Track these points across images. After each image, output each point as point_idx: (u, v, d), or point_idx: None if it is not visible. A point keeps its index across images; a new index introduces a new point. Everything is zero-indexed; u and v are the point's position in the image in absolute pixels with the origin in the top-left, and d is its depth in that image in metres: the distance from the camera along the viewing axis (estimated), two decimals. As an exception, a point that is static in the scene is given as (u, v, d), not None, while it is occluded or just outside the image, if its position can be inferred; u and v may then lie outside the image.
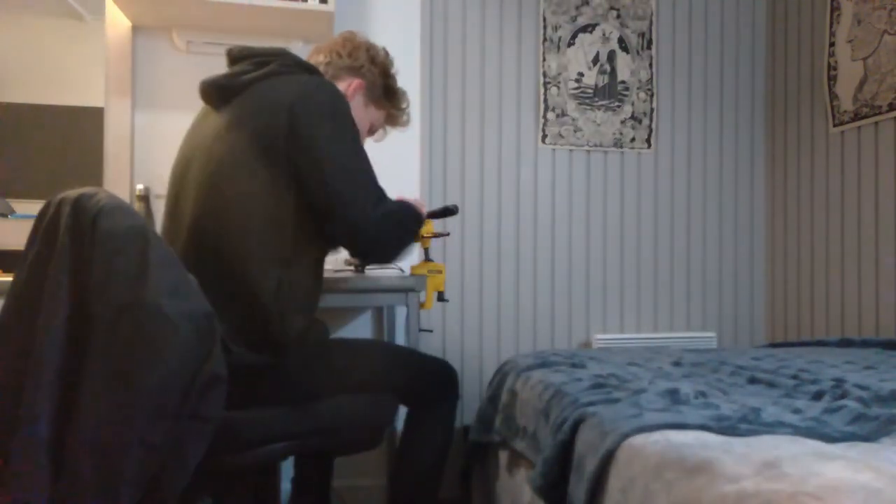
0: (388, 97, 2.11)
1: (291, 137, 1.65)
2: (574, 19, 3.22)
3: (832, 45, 3.04)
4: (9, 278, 1.96)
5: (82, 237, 1.29)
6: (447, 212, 2.27)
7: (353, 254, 1.85)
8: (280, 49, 1.85)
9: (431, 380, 1.99)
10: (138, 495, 1.24)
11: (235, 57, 1.86)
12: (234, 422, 1.58)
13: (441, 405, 2.01)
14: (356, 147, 1.74)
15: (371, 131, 2.15)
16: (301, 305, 1.72)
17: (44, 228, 1.35)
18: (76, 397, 1.23)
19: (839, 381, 1.72)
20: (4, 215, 2.54)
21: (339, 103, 1.74)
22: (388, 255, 1.87)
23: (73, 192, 1.35)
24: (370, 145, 2.15)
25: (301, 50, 2.84)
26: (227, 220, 1.65)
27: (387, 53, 2.09)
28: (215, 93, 1.79)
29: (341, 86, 1.98)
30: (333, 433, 1.79)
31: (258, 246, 1.64)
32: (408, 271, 2.39)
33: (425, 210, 2.12)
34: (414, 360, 2.00)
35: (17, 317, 1.32)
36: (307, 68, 1.84)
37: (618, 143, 3.27)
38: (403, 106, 2.16)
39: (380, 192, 1.76)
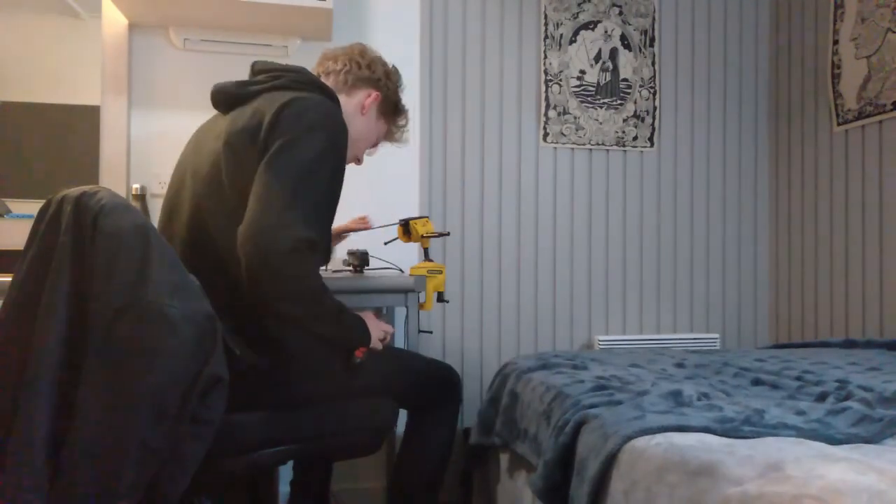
0: (395, 113, 2.11)
1: (266, 135, 1.59)
2: (576, 16, 3.20)
3: (836, 43, 3.02)
4: (7, 278, 1.96)
5: (83, 236, 1.28)
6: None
7: (246, 270, 1.49)
8: (299, 67, 1.84)
9: (433, 384, 1.98)
10: (137, 498, 1.23)
11: (257, 70, 1.87)
12: (234, 424, 1.57)
13: (442, 410, 1.99)
14: (312, 163, 1.58)
15: (375, 144, 2.14)
16: None
17: (44, 227, 1.35)
18: (75, 398, 1.22)
19: (843, 383, 1.72)
20: (1, 215, 2.52)
21: (327, 121, 1.66)
22: (282, 296, 1.50)
23: (74, 191, 1.34)
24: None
25: (299, 48, 2.83)
26: (221, 222, 1.64)
27: (397, 70, 2.10)
28: (222, 99, 1.81)
29: (360, 95, 1.99)
30: (334, 437, 1.78)
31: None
32: (407, 272, 2.37)
33: (378, 335, 1.82)
34: (416, 363, 1.98)
35: (16, 317, 1.31)
36: (320, 87, 1.81)
37: (620, 142, 3.25)
38: (403, 123, 2.15)
39: (309, 219, 1.54)
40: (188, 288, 1.34)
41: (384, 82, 2.03)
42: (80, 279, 1.28)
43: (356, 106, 1.97)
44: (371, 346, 1.76)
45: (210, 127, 1.83)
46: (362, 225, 2.39)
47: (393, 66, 2.09)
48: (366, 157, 2.18)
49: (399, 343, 2.84)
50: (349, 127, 1.82)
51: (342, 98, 1.93)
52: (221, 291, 1.59)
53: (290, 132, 1.59)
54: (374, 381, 1.85)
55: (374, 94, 2.00)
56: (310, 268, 1.53)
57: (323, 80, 1.95)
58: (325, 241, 1.68)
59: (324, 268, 2.16)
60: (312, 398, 1.74)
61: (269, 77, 1.79)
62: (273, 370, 1.66)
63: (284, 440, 1.68)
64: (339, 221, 2.85)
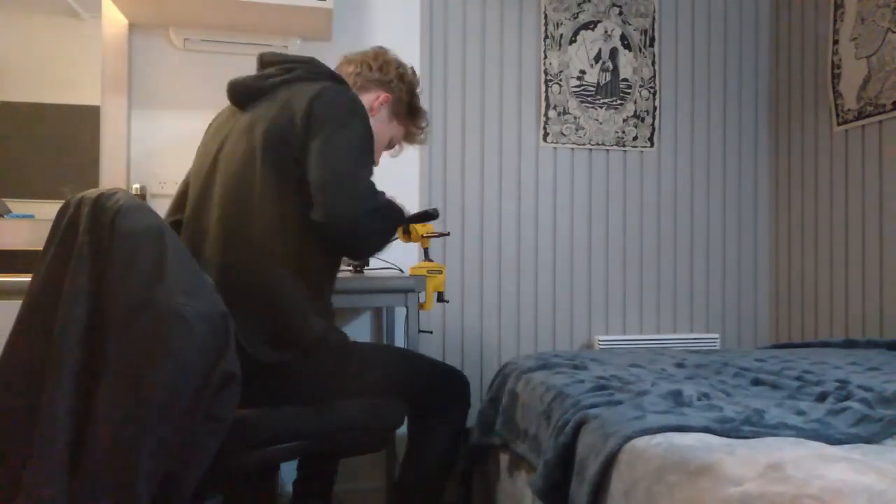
0: (410, 115, 2.15)
1: (303, 131, 1.66)
2: (576, 16, 3.20)
3: (836, 42, 3.02)
4: (7, 278, 1.97)
5: (101, 236, 1.31)
6: (426, 216, 2.22)
7: (330, 244, 1.77)
8: (309, 57, 1.88)
9: (441, 385, 1.99)
10: (153, 493, 1.26)
11: (266, 62, 1.90)
12: (247, 420, 1.61)
13: (450, 412, 2.01)
14: (361, 146, 1.73)
15: (390, 146, 2.18)
16: (320, 307, 1.77)
17: (63, 228, 1.38)
18: (93, 396, 1.24)
19: (843, 383, 1.72)
20: (1, 215, 2.52)
21: (358, 108, 1.76)
22: (365, 252, 1.86)
23: (92, 192, 1.38)
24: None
25: (300, 48, 2.83)
26: (250, 221, 1.68)
27: (414, 73, 2.14)
28: (242, 94, 1.83)
29: (368, 97, 2.03)
30: (343, 435, 1.80)
31: (279, 249, 1.68)
32: (407, 272, 2.37)
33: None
34: (424, 364, 2.00)
35: (36, 316, 1.34)
36: (333, 76, 1.86)
37: (620, 142, 3.25)
38: (423, 125, 2.21)
39: (371, 191, 1.73)
40: (202, 287, 1.37)
41: (396, 84, 2.07)
42: (98, 278, 1.31)
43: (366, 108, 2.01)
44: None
45: (230, 125, 1.84)
46: None
47: (411, 69, 2.13)
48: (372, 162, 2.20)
49: (399, 343, 2.84)
50: None
51: None
52: (247, 291, 1.64)
53: (329, 124, 1.67)
54: (383, 381, 1.87)
55: (383, 95, 2.05)
56: (371, 234, 1.74)
57: None
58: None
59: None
60: (322, 396, 1.76)
61: (282, 69, 1.83)
62: (285, 368, 1.68)
63: (293, 437, 1.70)
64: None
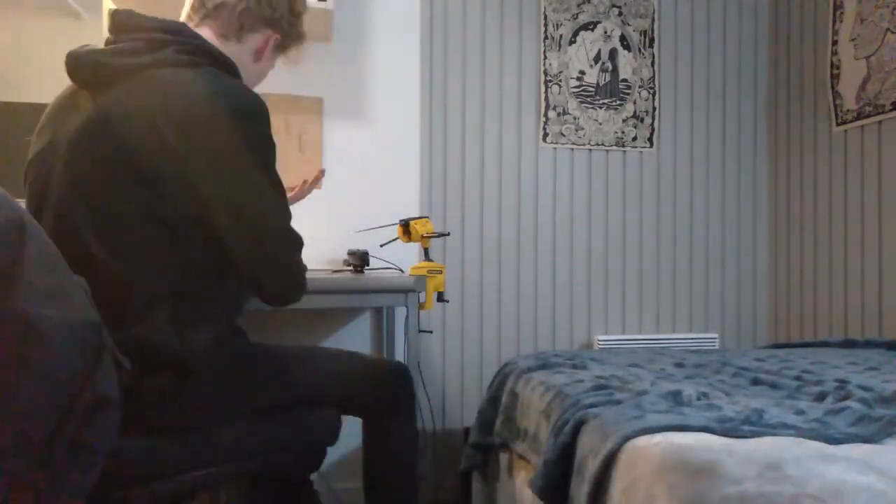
0: (296, 42, 1.78)
1: (186, 153, 1.36)
2: (575, 17, 3.20)
3: (835, 43, 3.03)
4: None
5: None
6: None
7: (272, 302, 1.57)
8: (179, 25, 1.51)
9: (380, 384, 1.79)
10: None
11: (121, 26, 1.48)
12: (128, 451, 1.39)
13: (398, 409, 1.81)
14: (270, 175, 1.47)
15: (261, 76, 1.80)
16: (202, 316, 1.47)
17: None
18: None
19: (842, 383, 1.72)
20: (1, 215, 2.52)
21: (257, 118, 1.45)
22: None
23: None
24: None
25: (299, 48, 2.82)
26: (94, 237, 1.38)
27: (304, 1, 1.77)
28: (89, 73, 1.44)
29: (256, 38, 1.65)
30: (257, 458, 1.60)
31: (141, 272, 1.40)
32: (407, 272, 2.37)
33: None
34: (355, 365, 1.79)
35: None
36: (214, 59, 1.50)
37: (620, 142, 3.25)
38: (303, 45, 1.82)
39: (297, 240, 1.54)
40: (68, 293, 1.13)
41: (287, 19, 1.69)
42: None
43: (250, 53, 1.66)
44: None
45: (68, 112, 1.48)
46: (314, 185, 2.26)
47: None
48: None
49: (399, 343, 2.83)
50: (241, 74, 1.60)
51: (232, 46, 1.60)
52: (101, 306, 1.27)
53: (214, 146, 1.38)
54: (309, 393, 1.67)
55: (274, 36, 1.68)
56: (300, 272, 1.55)
57: (203, 22, 1.59)
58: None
59: (325, 267, 2.15)
60: (226, 417, 1.54)
61: (146, 44, 1.44)
62: (169, 390, 1.43)
63: (194, 466, 1.49)
64: (337, 218, 2.83)
